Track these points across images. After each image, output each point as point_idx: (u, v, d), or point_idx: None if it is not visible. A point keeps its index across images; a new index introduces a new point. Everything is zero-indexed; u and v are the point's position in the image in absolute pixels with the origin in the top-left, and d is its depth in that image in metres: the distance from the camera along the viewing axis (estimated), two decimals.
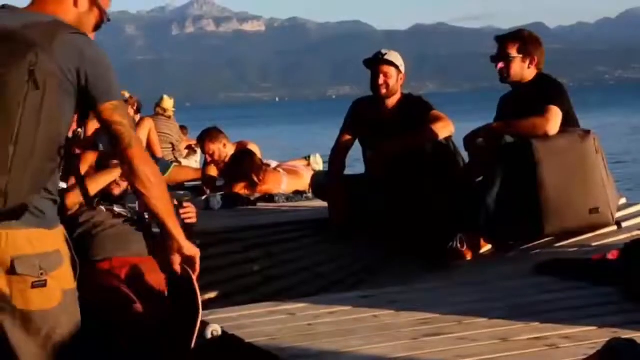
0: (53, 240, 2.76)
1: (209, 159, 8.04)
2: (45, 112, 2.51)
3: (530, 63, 5.31)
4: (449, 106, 12.19)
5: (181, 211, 4.36)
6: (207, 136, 8.06)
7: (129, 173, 2.80)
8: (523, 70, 5.32)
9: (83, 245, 4.27)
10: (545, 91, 5.22)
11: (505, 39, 5.42)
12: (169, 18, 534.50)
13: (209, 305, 3.86)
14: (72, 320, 2.84)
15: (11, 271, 2.68)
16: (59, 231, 2.80)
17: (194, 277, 3.08)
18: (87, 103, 2.71)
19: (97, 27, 2.90)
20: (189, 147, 11.75)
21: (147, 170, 2.79)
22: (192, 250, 3.04)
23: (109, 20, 2.93)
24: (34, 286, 2.71)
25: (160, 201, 2.86)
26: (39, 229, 2.70)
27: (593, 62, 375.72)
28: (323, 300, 4.11)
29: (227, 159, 7.76)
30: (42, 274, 2.70)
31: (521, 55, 5.31)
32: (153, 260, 4.27)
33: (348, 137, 6.04)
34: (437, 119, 5.70)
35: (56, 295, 2.77)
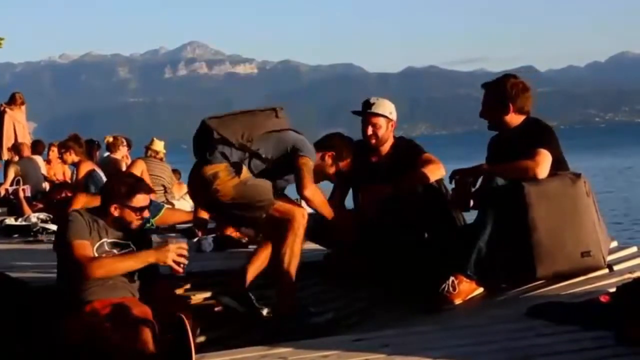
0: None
1: None
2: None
3: (510, 109, 5.33)
4: (440, 149, 12.21)
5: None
6: None
7: None
8: (501, 116, 5.35)
9: (73, 287, 4.30)
10: (534, 134, 5.24)
11: (485, 86, 5.48)
12: (161, 61, 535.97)
13: (200, 348, 3.83)
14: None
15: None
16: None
17: (187, 321, 3.06)
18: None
19: None
20: None
21: None
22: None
23: None
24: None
25: None
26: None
27: (584, 104, 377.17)
28: (316, 343, 4.09)
29: None
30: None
31: (498, 102, 5.34)
32: (136, 298, 4.30)
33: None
34: (428, 162, 5.74)
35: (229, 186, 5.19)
